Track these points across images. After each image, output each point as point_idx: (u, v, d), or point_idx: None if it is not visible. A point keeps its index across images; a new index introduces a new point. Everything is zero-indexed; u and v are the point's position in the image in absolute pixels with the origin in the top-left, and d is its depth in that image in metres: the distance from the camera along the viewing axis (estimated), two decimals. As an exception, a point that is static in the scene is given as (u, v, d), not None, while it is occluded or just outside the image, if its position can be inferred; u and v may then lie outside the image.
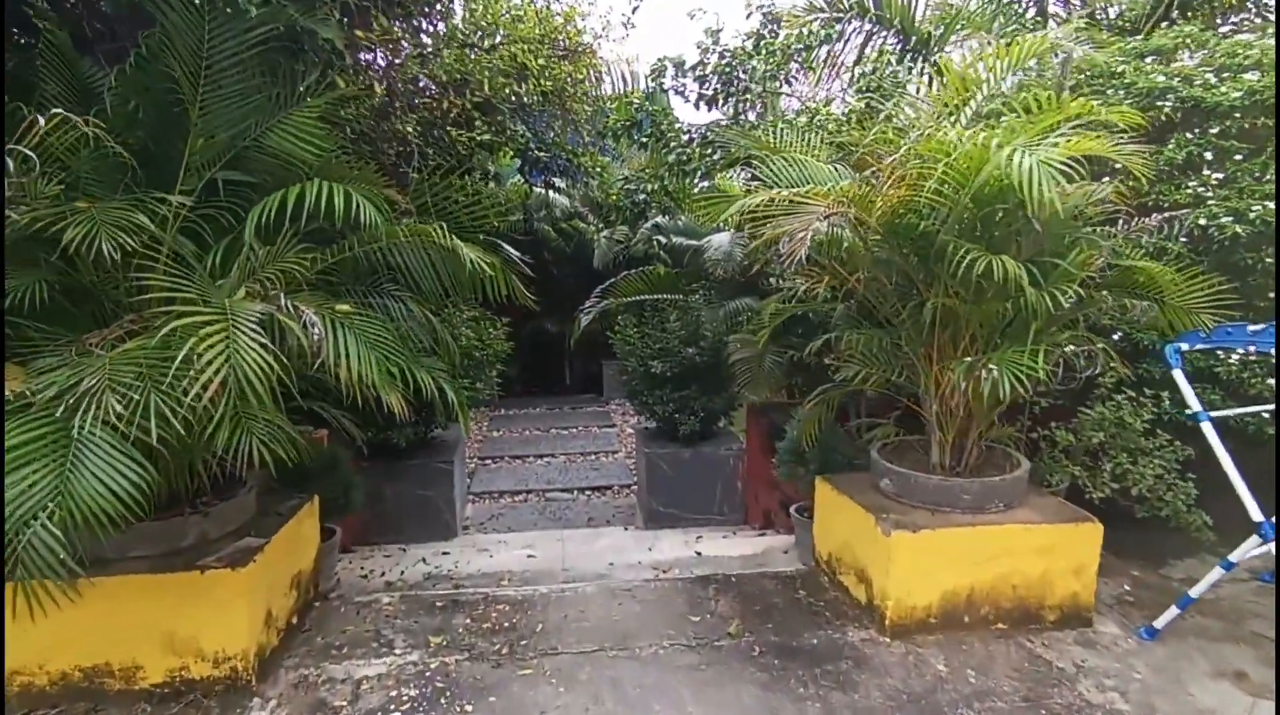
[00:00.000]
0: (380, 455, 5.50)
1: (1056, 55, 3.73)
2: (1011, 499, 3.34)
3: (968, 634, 3.24)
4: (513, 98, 4.74)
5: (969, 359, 2.98)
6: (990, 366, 2.83)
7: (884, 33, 5.49)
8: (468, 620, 3.50)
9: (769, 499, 5.60)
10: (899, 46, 5.38)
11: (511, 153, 5.94)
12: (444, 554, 4.73)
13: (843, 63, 5.42)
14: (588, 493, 7.12)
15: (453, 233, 4.41)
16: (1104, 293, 3.18)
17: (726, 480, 6.07)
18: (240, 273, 2.81)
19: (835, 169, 3.31)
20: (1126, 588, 3.76)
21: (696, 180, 4.89)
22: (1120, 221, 3.56)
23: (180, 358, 2.25)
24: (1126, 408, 3.66)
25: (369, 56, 4.31)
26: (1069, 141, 2.65)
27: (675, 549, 4.40)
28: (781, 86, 4.77)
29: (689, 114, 5.18)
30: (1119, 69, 4.17)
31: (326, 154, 3.13)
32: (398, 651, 3.21)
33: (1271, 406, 3.55)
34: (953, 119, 3.14)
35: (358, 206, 2.81)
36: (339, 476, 3.73)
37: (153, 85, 2.84)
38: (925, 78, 4.56)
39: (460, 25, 4.90)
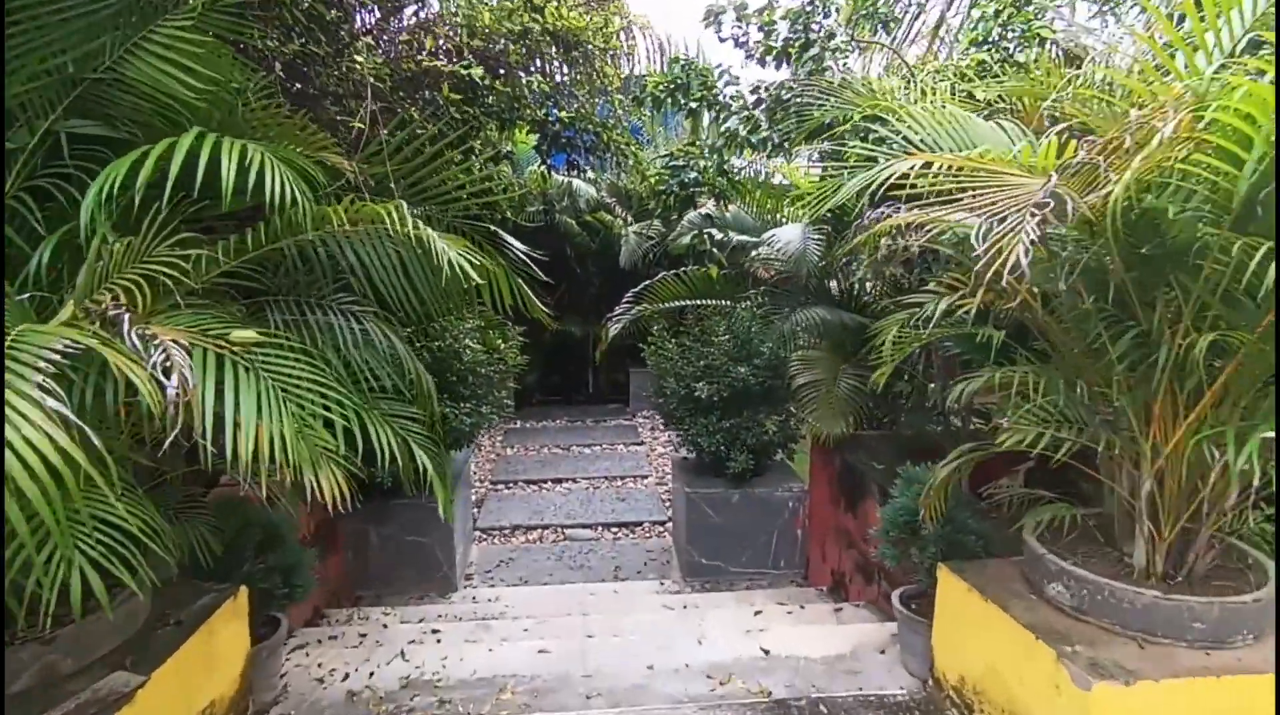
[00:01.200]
0: (363, 493, 4.49)
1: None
2: (1260, 627, 2.23)
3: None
4: (518, 40, 3.70)
5: (1235, 424, 1.87)
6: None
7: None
8: (452, 763, 2.47)
9: (841, 556, 4.50)
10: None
11: (527, 128, 4.89)
12: (433, 633, 3.70)
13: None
14: (614, 530, 6.07)
15: (449, 222, 3.41)
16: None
17: (785, 528, 4.98)
18: (89, 279, 1.78)
19: (998, 129, 2.22)
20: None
21: (766, 155, 3.85)
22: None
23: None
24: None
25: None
26: None
27: (731, 637, 3.33)
28: (877, 33, 3.68)
29: (747, 75, 4.13)
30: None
31: (228, 94, 2.08)
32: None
33: None
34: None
35: (269, 175, 1.77)
36: (282, 555, 2.71)
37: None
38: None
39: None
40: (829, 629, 3.49)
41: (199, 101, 1.93)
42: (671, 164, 3.86)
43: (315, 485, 1.78)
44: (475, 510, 6.48)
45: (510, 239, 2.98)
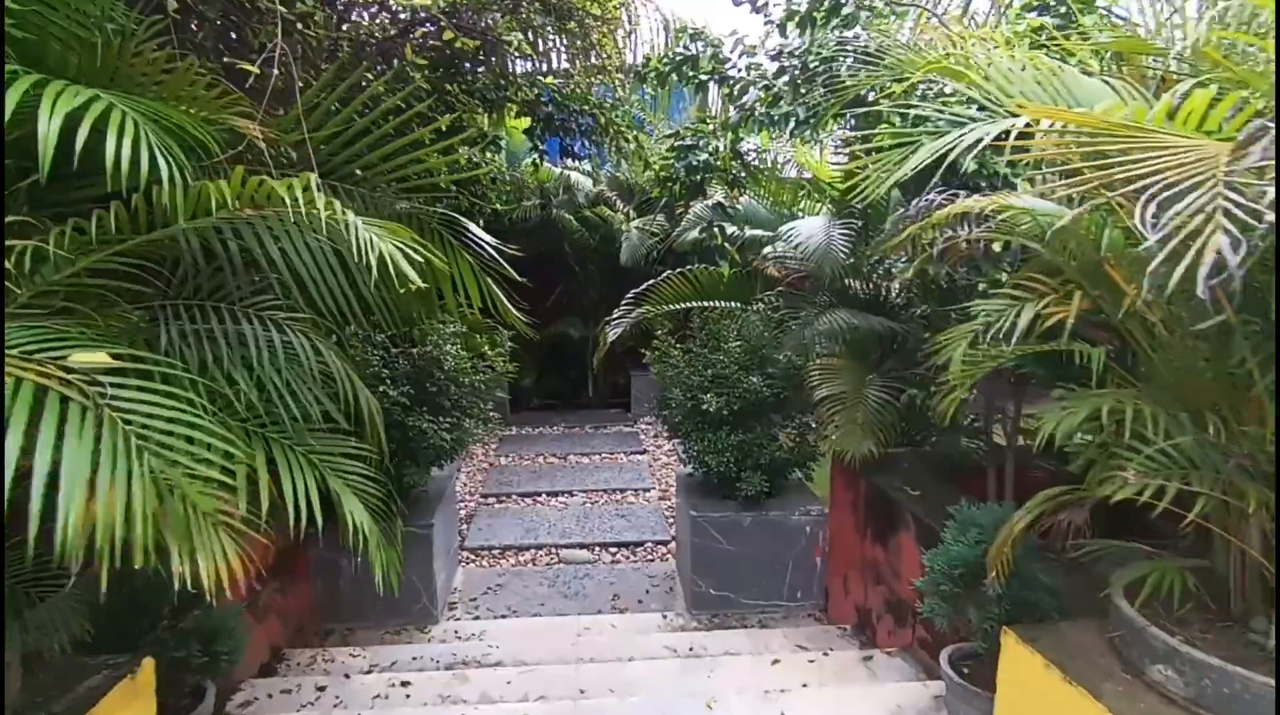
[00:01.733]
0: (332, 519, 4.01)
1: None
2: None
3: None
4: (508, 12, 3.20)
5: None
6: None
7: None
8: None
9: (867, 591, 4.01)
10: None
11: (516, 109, 4.40)
12: (402, 685, 3.21)
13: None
14: (613, 551, 5.57)
15: (411, 213, 2.91)
16: None
17: (802, 556, 4.48)
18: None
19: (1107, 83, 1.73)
20: None
21: (788, 134, 3.34)
22: None
23: None
24: None
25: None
26: None
27: (748, 701, 2.83)
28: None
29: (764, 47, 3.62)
30: None
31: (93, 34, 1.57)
32: None
33: None
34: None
35: (115, 139, 1.27)
36: (202, 616, 2.22)
37: None
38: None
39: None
40: (862, 690, 2.99)
41: (53, 35, 1.43)
42: (679, 145, 3.37)
43: (188, 569, 1.28)
44: (464, 526, 6.00)
45: (477, 231, 2.47)
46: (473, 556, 5.49)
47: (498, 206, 5.63)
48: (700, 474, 4.59)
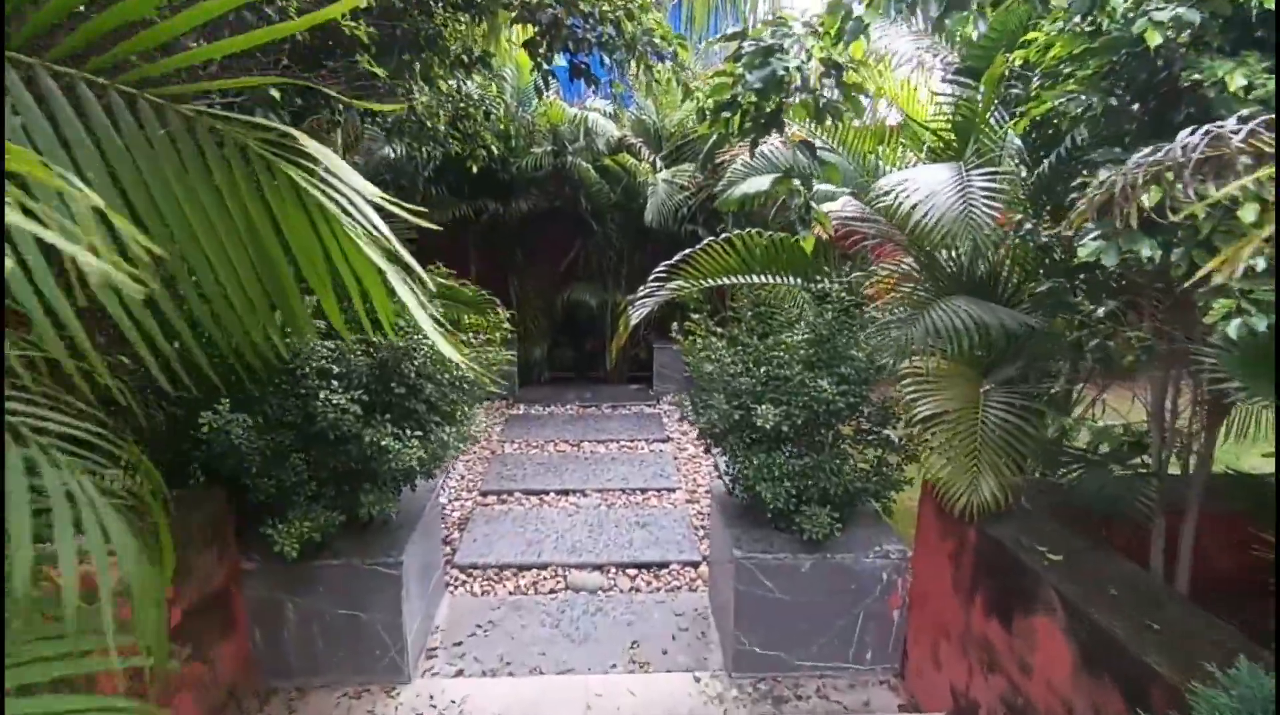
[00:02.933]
0: (278, 555, 3.08)
1: None
2: None
3: None
4: None
5: None
6: None
7: None
8: None
9: (972, 676, 3.00)
10: None
11: (514, 14, 3.28)
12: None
13: None
14: (632, 575, 4.62)
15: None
16: None
17: (874, 608, 3.49)
18: None
19: None
20: None
21: (938, 11, 2.23)
22: None
23: None
24: None
25: None
26: None
27: None
28: None
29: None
30: None
31: None
32: None
33: None
34: None
35: None
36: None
37: None
38: None
39: None
40: None
41: None
42: (750, 51, 2.23)
43: None
44: (456, 534, 5.08)
45: (336, 165, 1.36)
46: (463, 577, 4.56)
47: (494, 148, 4.53)
48: (744, 495, 3.58)
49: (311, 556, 3.24)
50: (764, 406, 3.15)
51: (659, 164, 7.74)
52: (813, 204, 2.22)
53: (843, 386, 3.21)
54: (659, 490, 5.87)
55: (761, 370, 3.30)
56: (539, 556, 4.74)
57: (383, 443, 2.96)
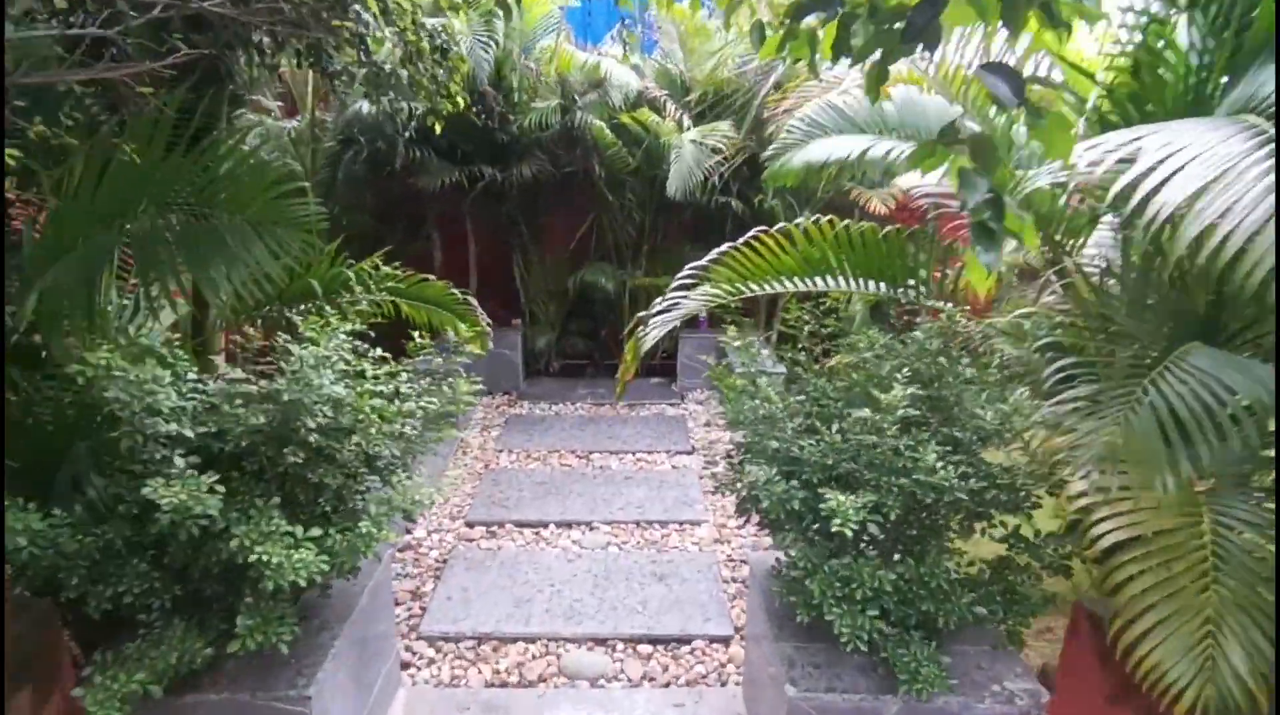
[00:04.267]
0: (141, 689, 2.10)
1: None
2: None
3: None
4: None
5: None
6: None
7: None
8: None
9: None
10: None
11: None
12: None
13: None
14: (644, 655, 3.61)
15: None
16: None
17: (990, 775, 2.42)
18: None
19: None
20: None
21: None
22: None
23: None
24: None
25: None
26: None
27: None
28: None
29: None
30: None
31: None
32: None
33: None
34: None
35: None
36: None
37: None
38: None
39: None
40: None
41: None
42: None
43: None
44: (430, 585, 4.12)
45: None
46: (430, 655, 3.59)
47: (459, 100, 3.40)
48: (806, 614, 2.51)
49: (183, 689, 2.26)
50: (841, 496, 2.06)
51: (686, 122, 6.53)
52: (1005, 201, 1.16)
53: (968, 464, 2.11)
54: (681, 524, 4.84)
55: (837, 435, 2.21)
56: (527, 624, 3.75)
57: (257, 550, 1.93)
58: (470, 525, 4.80)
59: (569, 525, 4.80)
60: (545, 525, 4.79)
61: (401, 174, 6.49)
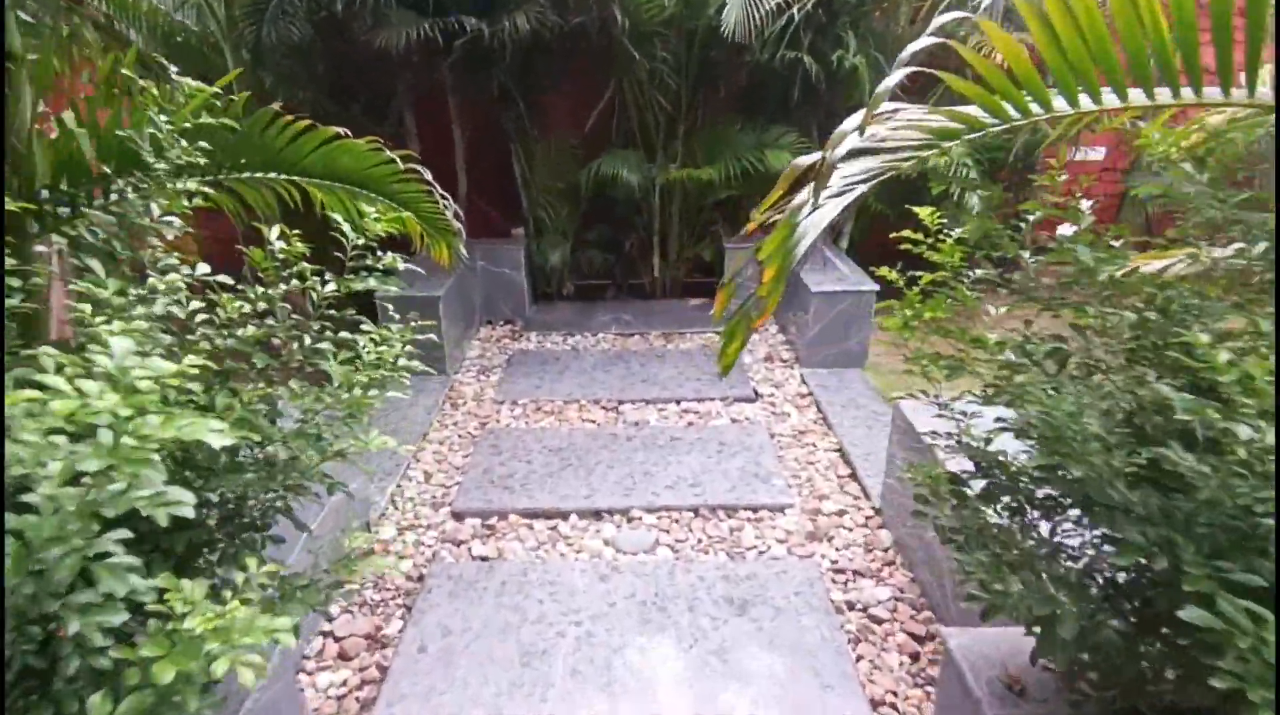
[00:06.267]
0: None
1: None
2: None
3: None
4: None
5: None
6: None
7: None
8: None
9: None
10: None
11: None
12: None
13: None
14: (731, 756, 2.22)
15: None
16: None
17: None
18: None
19: None
20: None
21: None
22: None
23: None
24: None
25: None
26: None
27: None
28: None
29: None
30: None
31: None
32: None
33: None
34: None
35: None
36: None
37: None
38: None
39: None
40: None
41: None
42: None
43: None
44: (397, 624, 2.74)
45: None
46: (388, 759, 2.22)
47: None
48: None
49: None
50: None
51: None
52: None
53: None
54: (756, 511, 3.40)
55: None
56: (543, 701, 2.36)
57: None
58: (458, 516, 3.39)
59: (598, 515, 3.37)
60: (564, 516, 3.37)
61: (357, 31, 4.79)
